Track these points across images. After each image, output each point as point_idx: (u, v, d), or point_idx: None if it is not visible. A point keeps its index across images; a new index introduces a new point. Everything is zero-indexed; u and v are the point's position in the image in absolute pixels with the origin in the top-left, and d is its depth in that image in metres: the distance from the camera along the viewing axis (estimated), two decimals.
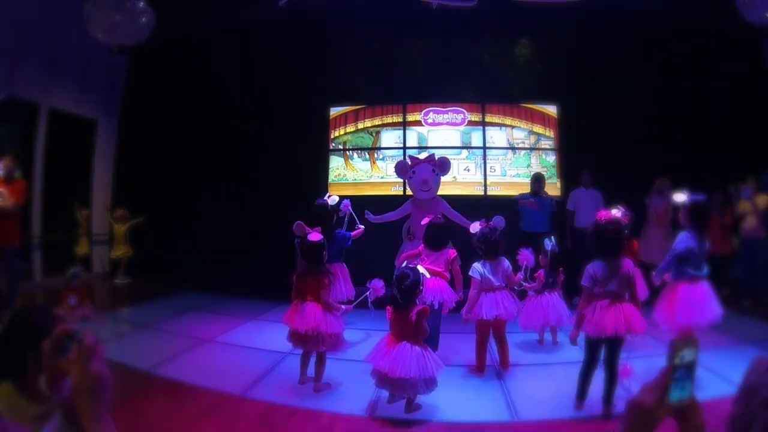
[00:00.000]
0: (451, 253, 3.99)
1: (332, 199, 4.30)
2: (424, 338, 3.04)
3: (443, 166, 4.95)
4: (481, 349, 3.81)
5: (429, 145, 7.15)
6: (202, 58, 7.76)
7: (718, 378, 3.30)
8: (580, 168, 6.50)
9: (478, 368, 3.80)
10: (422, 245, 4.08)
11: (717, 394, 2.69)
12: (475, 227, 3.85)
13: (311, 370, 3.52)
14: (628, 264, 3.07)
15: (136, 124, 8.31)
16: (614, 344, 3.00)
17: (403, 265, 3.23)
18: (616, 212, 4.30)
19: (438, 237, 4.02)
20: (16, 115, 7.39)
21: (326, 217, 4.15)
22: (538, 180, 6.05)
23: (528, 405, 3.20)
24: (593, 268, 3.07)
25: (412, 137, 7.25)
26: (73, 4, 5.90)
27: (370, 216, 4.78)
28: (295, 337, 3.39)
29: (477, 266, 3.76)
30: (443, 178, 5.01)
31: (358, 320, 4.43)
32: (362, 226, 4.48)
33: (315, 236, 3.51)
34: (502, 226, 3.85)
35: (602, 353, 3.07)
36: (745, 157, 6.26)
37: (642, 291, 4.34)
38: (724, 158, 6.33)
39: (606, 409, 3.00)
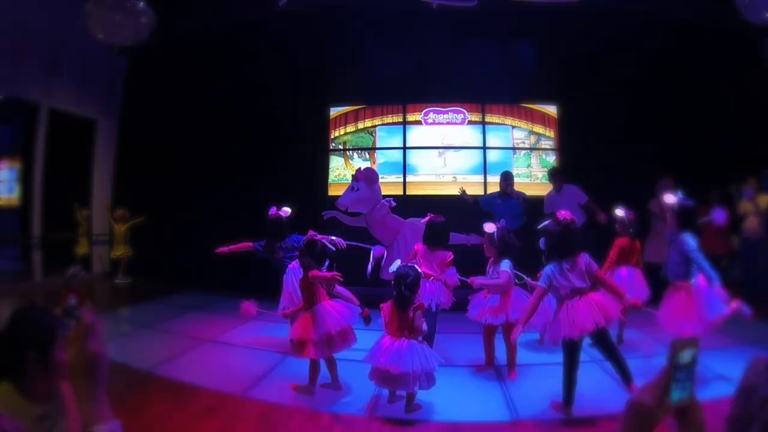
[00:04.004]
0: (449, 255, 3.95)
1: (285, 211, 4.35)
2: (422, 334, 3.05)
3: (367, 177, 5.18)
4: (489, 342, 3.82)
5: (428, 145, 7.15)
6: (202, 58, 7.75)
7: (718, 378, 3.30)
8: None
9: (488, 362, 3.82)
10: (419, 245, 4.07)
11: (717, 394, 2.69)
12: (491, 227, 3.82)
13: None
14: (584, 258, 3.06)
15: (136, 124, 8.31)
16: (600, 335, 3.04)
17: (399, 264, 3.23)
18: (618, 212, 4.33)
19: (437, 235, 4.00)
20: (16, 115, 7.40)
21: (280, 231, 4.24)
22: (506, 179, 5.91)
23: (528, 405, 3.20)
24: (551, 269, 3.06)
25: (413, 137, 7.25)
26: (73, 4, 5.91)
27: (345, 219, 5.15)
28: (321, 343, 3.18)
29: (506, 264, 3.70)
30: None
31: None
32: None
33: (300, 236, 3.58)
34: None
35: (580, 354, 3.07)
36: (745, 157, 6.25)
37: (642, 292, 4.35)
38: (725, 158, 6.32)
39: (628, 386, 3.06)
